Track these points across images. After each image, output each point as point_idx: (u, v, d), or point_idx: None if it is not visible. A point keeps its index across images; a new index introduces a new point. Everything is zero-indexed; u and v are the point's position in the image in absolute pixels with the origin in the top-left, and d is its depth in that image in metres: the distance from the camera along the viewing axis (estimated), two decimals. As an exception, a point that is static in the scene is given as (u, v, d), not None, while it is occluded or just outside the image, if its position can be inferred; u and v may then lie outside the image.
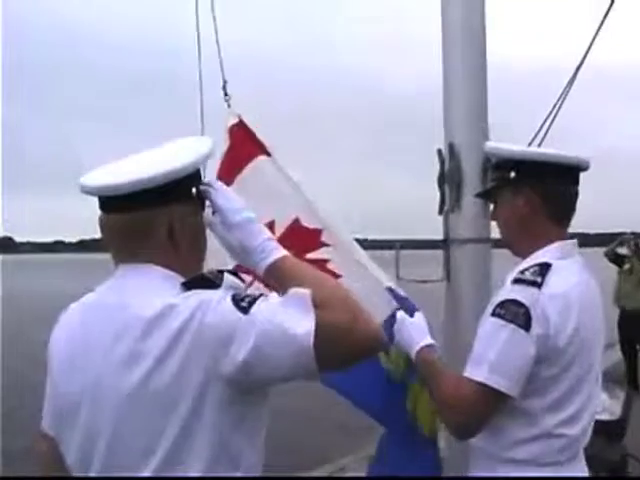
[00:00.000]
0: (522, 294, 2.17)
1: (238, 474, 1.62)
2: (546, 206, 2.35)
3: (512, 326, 2.15)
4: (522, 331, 2.14)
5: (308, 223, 3.06)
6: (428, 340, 2.51)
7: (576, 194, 2.41)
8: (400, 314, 2.62)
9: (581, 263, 2.37)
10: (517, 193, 2.38)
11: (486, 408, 2.19)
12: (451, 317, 2.93)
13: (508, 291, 2.21)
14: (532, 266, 2.25)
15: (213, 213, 1.77)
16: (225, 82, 3.13)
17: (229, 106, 3.14)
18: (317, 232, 3.06)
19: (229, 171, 3.03)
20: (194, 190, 1.74)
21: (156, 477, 1.58)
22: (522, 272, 2.24)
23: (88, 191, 1.67)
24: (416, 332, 2.54)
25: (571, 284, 2.25)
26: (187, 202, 1.72)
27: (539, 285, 2.18)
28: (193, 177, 1.72)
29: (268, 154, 3.10)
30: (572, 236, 2.42)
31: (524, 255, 2.37)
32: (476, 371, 2.18)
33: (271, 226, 2.87)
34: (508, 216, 2.44)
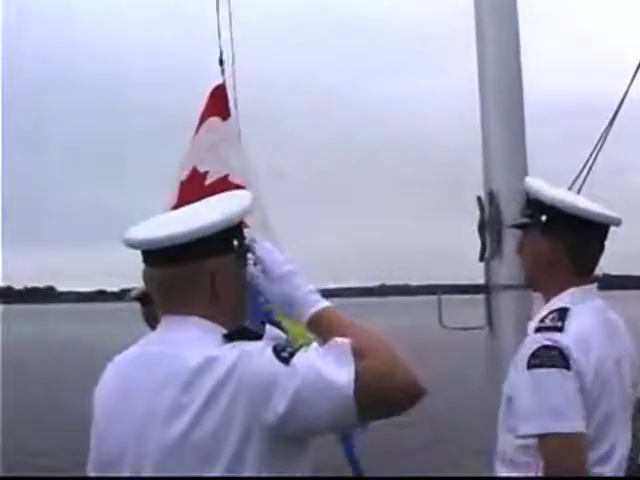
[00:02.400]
0: (548, 339, 2.20)
1: None
2: (570, 256, 2.37)
3: (554, 370, 2.16)
4: (565, 371, 2.16)
5: (235, 180, 3.41)
6: None
7: (601, 250, 2.43)
8: None
9: (601, 305, 2.39)
10: (545, 237, 2.39)
11: (571, 455, 2.15)
12: (493, 363, 2.91)
13: (533, 341, 2.24)
14: (550, 312, 2.29)
15: (255, 265, 1.79)
16: (221, 52, 3.45)
17: (222, 73, 3.49)
18: (241, 187, 3.36)
19: (198, 124, 3.55)
20: (235, 242, 1.76)
21: (158, 477, 1.59)
22: (542, 320, 2.28)
23: (131, 245, 1.70)
24: None
25: (589, 326, 2.27)
26: (229, 255, 1.74)
27: (561, 329, 2.21)
28: (234, 230, 1.74)
29: (224, 119, 3.51)
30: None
31: (544, 293, 2.42)
32: (532, 425, 2.16)
33: (204, 175, 3.41)
34: (532, 256, 2.47)
